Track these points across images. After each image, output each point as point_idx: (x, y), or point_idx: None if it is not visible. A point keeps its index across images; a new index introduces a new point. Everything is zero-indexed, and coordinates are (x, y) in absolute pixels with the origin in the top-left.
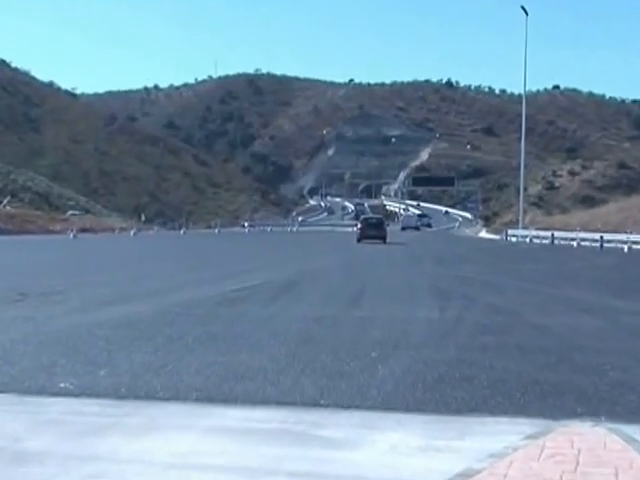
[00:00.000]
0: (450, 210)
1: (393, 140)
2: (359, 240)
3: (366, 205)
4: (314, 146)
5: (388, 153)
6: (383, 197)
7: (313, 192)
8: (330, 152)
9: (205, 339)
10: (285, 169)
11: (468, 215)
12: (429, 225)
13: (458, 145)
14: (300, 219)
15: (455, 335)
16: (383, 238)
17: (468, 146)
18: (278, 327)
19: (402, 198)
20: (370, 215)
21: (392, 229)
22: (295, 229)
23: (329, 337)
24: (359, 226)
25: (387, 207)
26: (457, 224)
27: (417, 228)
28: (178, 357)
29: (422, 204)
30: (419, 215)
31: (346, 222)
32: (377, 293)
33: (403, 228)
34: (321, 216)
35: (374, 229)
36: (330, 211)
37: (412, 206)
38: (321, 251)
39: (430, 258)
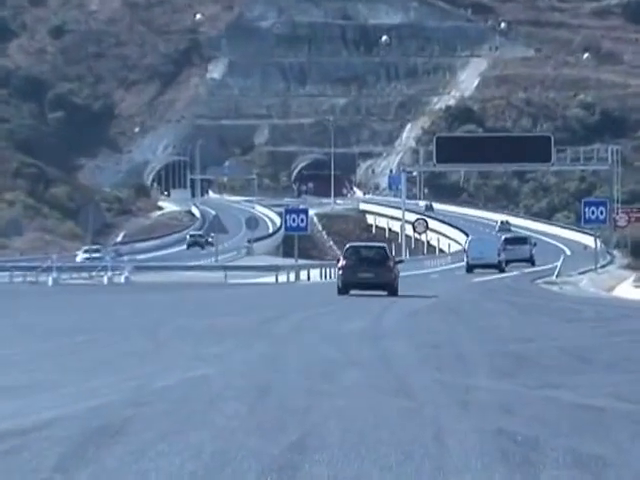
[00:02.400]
0: (514, 221)
1: (384, 40)
2: (343, 290)
3: (313, 215)
4: (174, 58)
5: (372, 75)
6: (357, 193)
7: (172, 179)
8: (215, 73)
9: None
10: (96, 117)
11: (586, 240)
12: (530, 260)
13: (558, 52)
14: (126, 252)
15: None
16: (389, 286)
17: (586, 55)
18: None
19: (415, 194)
20: (363, 243)
21: None
22: (123, 277)
23: None
24: (342, 264)
25: (369, 219)
26: (560, 261)
27: (499, 266)
28: None
29: (435, 205)
30: (509, 239)
31: (258, 261)
32: (340, 456)
33: (470, 266)
34: (187, 245)
35: (371, 268)
36: (213, 233)
37: (423, 215)
38: (197, 337)
39: (489, 352)
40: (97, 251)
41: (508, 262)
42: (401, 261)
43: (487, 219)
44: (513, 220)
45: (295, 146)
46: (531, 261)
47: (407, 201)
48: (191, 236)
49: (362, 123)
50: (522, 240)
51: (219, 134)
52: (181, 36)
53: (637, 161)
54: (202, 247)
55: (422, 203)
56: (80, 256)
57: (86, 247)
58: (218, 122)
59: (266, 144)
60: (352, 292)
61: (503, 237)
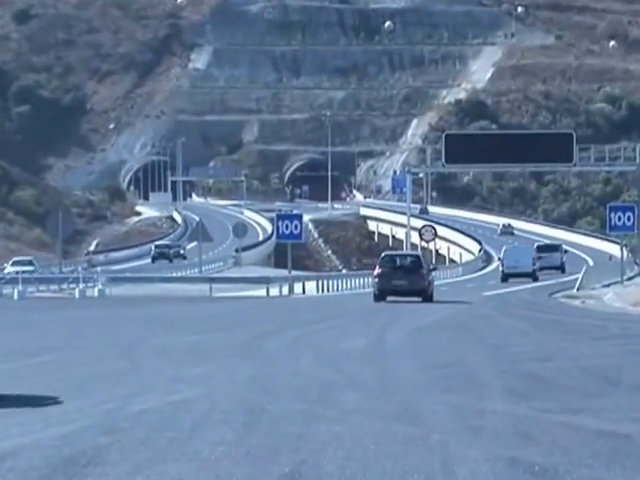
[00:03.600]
0: (531, 228)
1: (387, 26)
2: (379, 297)
3: (308, 221)
4: (153, 46)
5: (373, 65)
6: (358, 196)
7: (151, 181)
8: (199, 63)
9: None
10: (66, 112)
11: (612, 249)
12: (561, 267)
13: (581, 39)
14: (99, 262)
15: None
16: (423, 293)
17: (612, 42)
18: None
19: (422, 198)
20: (397, 252)
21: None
22: (97, 290)
23: None
24: (378, 271)
25: (371, 225)
26: (582, 272)
27: (533, 275)
28: None
29: (432, 208)
30: (540, 247)
31: (247, 272)
32: None
33: (506, 275)
34: (152, 258)
35: (406, 275)
36: (196, 241)
37: (424, 219)
38: (179, 356)
39: (504, 373)
40: (29, 263)
41: (541, 268)
42: (435, 268)
43: (491, 223)
44: (530, 227)
45: (288, 144)
46: (562, 269)
47: (413, 205)
48: (156, 247)
49: (362, 119)
50: (553, 248)
51: (203, 131)
52: (160, 21)
53: None
54: (170, 260)
55: (416, 204)
56: (8, 269)
57: (16, 258)
58: (202, 117)
59: (255, 142)
60: (353, 306)
61: (535, 245)
